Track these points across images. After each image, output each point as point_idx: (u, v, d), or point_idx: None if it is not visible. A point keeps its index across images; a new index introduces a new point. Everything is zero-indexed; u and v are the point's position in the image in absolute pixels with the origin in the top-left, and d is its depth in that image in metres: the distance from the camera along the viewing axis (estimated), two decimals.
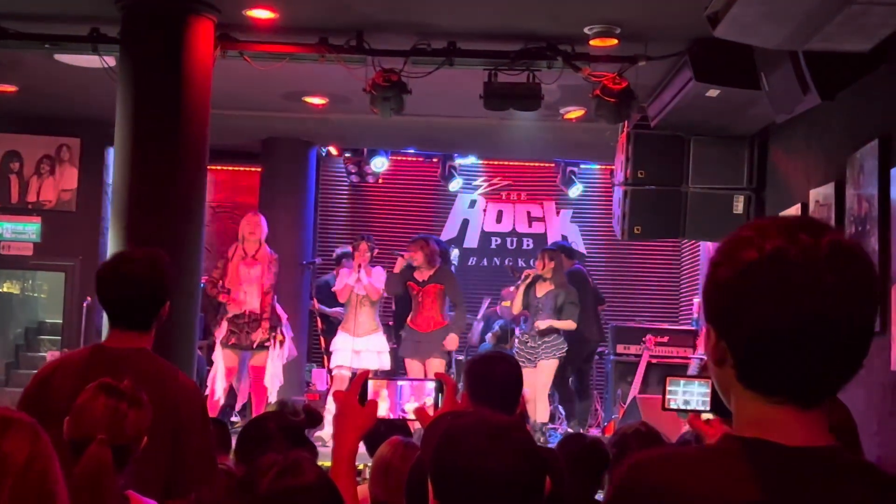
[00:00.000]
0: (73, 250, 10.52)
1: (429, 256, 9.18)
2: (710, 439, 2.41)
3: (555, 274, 9.20)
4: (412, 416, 2.54)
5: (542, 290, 9.20)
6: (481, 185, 12.88)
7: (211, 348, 9.18)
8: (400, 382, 2.62)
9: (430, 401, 2.56)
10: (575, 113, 9.26)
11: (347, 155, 12.41)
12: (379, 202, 12.80)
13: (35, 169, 10.70)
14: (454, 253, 10.97)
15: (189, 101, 6.82)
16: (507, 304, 9.81)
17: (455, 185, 12.61)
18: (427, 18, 7.07)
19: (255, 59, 7.46)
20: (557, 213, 12.86)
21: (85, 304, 10.08)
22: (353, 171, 12.54)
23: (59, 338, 10.78)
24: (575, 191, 12.52)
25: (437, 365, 8.98)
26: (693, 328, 10.60)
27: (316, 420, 3.84)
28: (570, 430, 9.00)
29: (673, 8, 6.55)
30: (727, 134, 8.14)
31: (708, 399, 2.54)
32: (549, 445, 7.28)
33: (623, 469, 1.42)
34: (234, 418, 9.05)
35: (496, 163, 12.84)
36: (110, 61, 7.24)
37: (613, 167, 9.36)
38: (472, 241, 12.72)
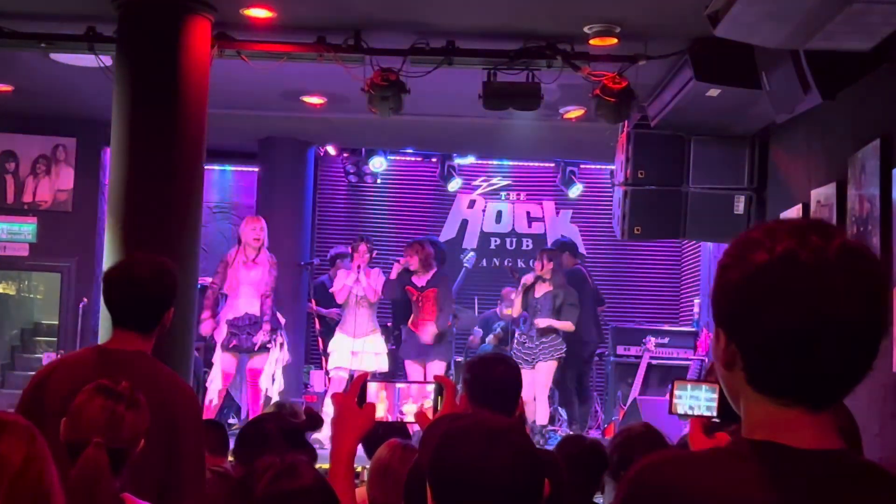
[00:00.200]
0: (69, 251, 10.50)
1: (424, 260, 9.18)
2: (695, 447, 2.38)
3: (554, 275, 9.18)
4: (410, 419, 2.54)
5: (540, 290, 9.18)
6: (480, 186, 12.85)
7: (209, 350, 9.15)
8: (398, 385, 2.62)
9: (428, 403, 2.55)
10: (575, 112, 9.24)
11: (346, 155, 12.39)
12: (377, 202, 12.77)
13: (31, 169, 10.66)
14: (469, 255, 10.94)
15: (186, 100, 6.79)
16: (508, 311, 9.80)
17: (454, 185, 12.58)
18: (426, 17, 7.05)
19: (253, 59, 7.44)
20: (557, 213, 12.83)
21: (81, 306, 10.05)
22: (351, 171, 12.52)
23: (55, 339, 10.73)
24: (575, 191, 12.50)
25: (437, 368, 8.97)
26: (694, 329, 10.58)
27: (317, 423, 3.85)
28: (569, 432, 8.97)
29: (673, 7, 6.53)
30: (728, 134, 8.12)
31: (715, 404, 2.51)
32: (549, 448, 7.24)
33: (633, 471, 1.42)
34: (231, 420, 9.03)
35: (495, 163, 12.81)
36: (107, 60, 7.22)
37: (613, 167, 9.33)
38: (471, 241, 12.69)
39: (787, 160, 7.78)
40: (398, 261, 9.37)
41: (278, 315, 8.82)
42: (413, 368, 9.12)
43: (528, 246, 12.62)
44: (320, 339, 10.10)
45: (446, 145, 12.04)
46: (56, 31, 7.30)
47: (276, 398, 8.39)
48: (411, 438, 4.28)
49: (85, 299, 9.97)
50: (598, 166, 12.38)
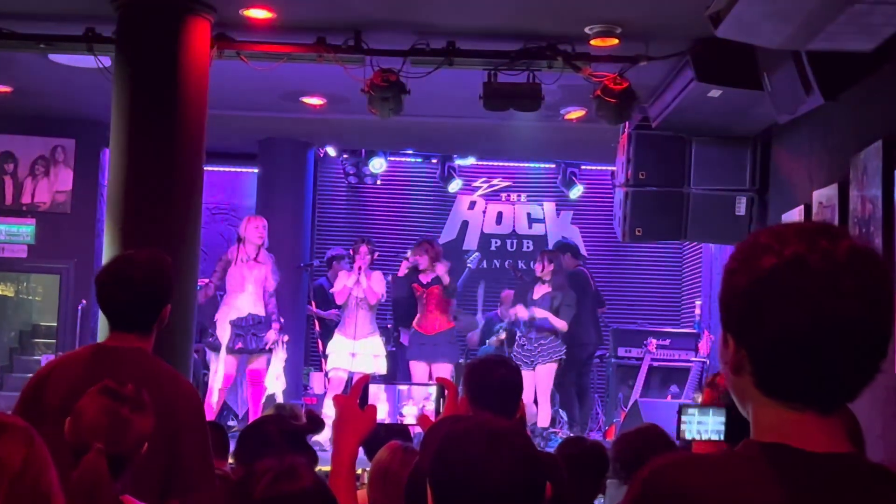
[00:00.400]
0: (67, 253, 10.46)
1: (434, 258, 9.18)
2: None
3: (553, 276, 9.16)
4: (410, 420, 2.53)
5: (539, 292, 9.17)
6: (481, 187, 12.83)
7: (205, 351, 9.13)
8: (399, 387, 2.62)
9: (430, 405, 2.55)
10: (575, 113, 9.22)
11: (345, 156, 12.37)
12: (377, 204, 12.75)
13: (29, 170, 10.63)
14: (473, 256, 10.95)
15: (185, 101, 6.77)
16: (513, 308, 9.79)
17: (454, 186, 12.56)
18: (426, 18, 7.04)
19: (253, 59, 7.43)
20: (558, 214, 12.81)
21: (80, 307, 10.01)
22: (351, 172, 12.50)
23: (54, 341, 10.70)
24: (575, 192, 12.47)
25: (442, 369, 8.94)
26: (695, 331, 10.56)
27: (318, 425, 3.83)
28: (570, 435, 8.95)
29: (674, 7, 6.52)
30: (729, 135, 8.11)
31: (723, 428, 2.49)
32: (550, 450, 7.22)
33: (644, 472, 1.42)
34: (230, 422, 9.01)
35: (496, 164, 12.79)
36: (106, 61, 7.20)
37: (614, 168, 9.31)
38: (471, 242, 12.67)
39: (788, 161, 7.76)
40: (406, 258, 9.35)
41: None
42: (418, 369, 9.09)
43: (528, 247, 12.59)
44: (320, 341, 10.08)
45: (447, 146, 12.03)
46: (55, 32, 7.28)
47: (280, 399, 8.39)
48: (412, 441, 4.27)
49: (84, 301, 9.94)
50: (599, 167, 12.37)
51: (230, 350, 8.51)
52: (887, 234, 5.69)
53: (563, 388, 9.85)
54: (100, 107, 7.50)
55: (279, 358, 8.76)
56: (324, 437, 7.71)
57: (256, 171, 11.78)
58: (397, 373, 10.04)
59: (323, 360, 9.63)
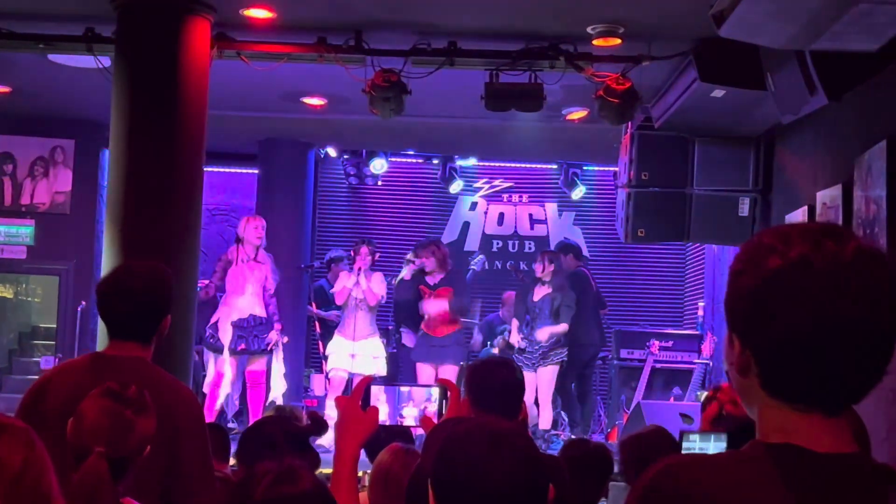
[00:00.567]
0: (67, 254, 10.45)
1: (440, 261, 9.17)
2: None
3: (554, 277, 9.15)
4: (410, 422, 2.53)
5: (539, 293, 9.16)
6: (482, 187, 12.81)
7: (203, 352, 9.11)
8: (402, 388, 2.62)
9: (433, 407, 2.55)
10: (577, 114, 9.20)
11: (346, 156, 12.35)
12: (378, 205, 12.72)
13: (28, 171, 10.61)
14: (478, 258, 10.91)
15: (185, 101, 6.75)
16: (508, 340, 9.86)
17: (456, 187, 12.53)
18: (427, 17, 7.02)
19: (253, 59, 7.42)
20: (560, 215, 12.78)
21: (79, 309, 9.99)
22: (352, 172, 12.49)
23: (53, 343, 10.69)
24: (577, 193, 12.44)
25: (448, 371, 8.92)
26: (698, 332, 10.53)
27: (321, 427, 3.83)
28: (572, 437, 8.92)
29: (677, 7, 6.50)
30: (733, 135, 8.09)
31: None
32: (552, 452, 7.20)
33: (649, 473, 1.42)
34: (231, 424, 8.97)
35: (497, 164, 12.76)
36: (105, 61, 7.20)
37: (617, 169, 9.29)
38: (473, 243, 12.64)
39: (792, 162, 7.74)
40: (413, 261, 9.32)
41: None
42: (425, 370, 9.08)
43: (530, 248, 12.56)
44: (321, 343, 10.05)
45: (448, 147, 12.01)
46: (54, 32, 7.27)
47: (280, 400, 8.38)
48: (414, 443, 4.26)
49: (83, 302, 9.92)
50: (602, 168, 12.34)
51: (233, 351, 8.52)
52: (892, 234, 5.67)
53: (565, 390, 9.82)
54: (99, 107, 7.48)
55: (280, 359, 8.76)
56: (327, 440, 7.70)
57: (257, 171, 11.76)
58: (398, 374, 10.01)
59: (324, 362, 9.61)
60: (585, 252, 12.20)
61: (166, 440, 2.95)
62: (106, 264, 6.68)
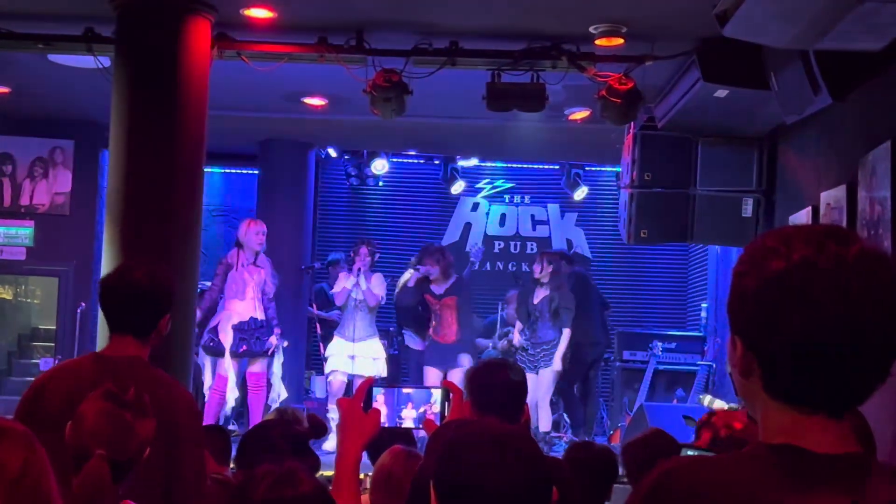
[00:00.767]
0: (66, 255, 10.43)
1: (445, 269, 9.18)
2: None
3: (552, 278, 9.14)
4: (409, 424, 2.55)
5: (539, 295, 9.16)
6: (484, 188, 12.78)
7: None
8: (405, 390, 2.63)
9: (434, 409, 2.55)
10: (580, 114, 9.18)
11: (347, 157, 12.33)
12: (379, 205, 12.72)
13: (28, 172, 10.59)
14: (477, 248, 10.88)
15: (185, 102, 6.73)
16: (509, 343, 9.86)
17: (457, 187, 12.51)
18: (429, 17, 7.00)
19: (254, 60, 7.40)
20: (562, 216, 12.76)
21: (79, 310, 9.96)
22: (352, 173, 12.48)
23: (53, 344, 10.67)
24: (580, 193, 12.41)
25: (457, 376, 8.91)
26: (701, 334, 10.51)
27: (321, 430, 3.83)
28: (574, 439, 8.90)
29: (680, 6, 6.48)
30: (736, 135, 8.07)
31: None
32: (554, 454, 7.18)
33: (654, 474, 1.42)
34: (231, 426, 8.95)
35: (499, 165, 12.75)
36: (105, 62, 7.18)
37: (619, 169, 9.27)
38: (474, 244, 12.60)
39: (796, 162, 7.72)
40: (417, 268, 9.32)
41: None
42: (432, 374, 9.09)
43: (532, 249, 12.53)
44: (321, 344, 10.04)
45: (449, 147, 12.00)
46: (54, 32, 7.26)
47: (279, 403, 8.39)
48: (416, 445, 4.24)
49: (83, 304, 9.90)
50: (604, 168, 12.32)
51: (234, 353, 8.52)
52: None
53: (568, 392, 9.80)
54: (99, 108, 7.47)
55: (280, 362, 8.78)
56: (332, 446, 7.69)
57: (257, 172, 11.74)
58: (399, 376, 10.00)
59: (325, 364, 9.60)
60: (587, 253, 12.19)
61: (165, 441, 2.95)
62: (106, 265, 6.66)
